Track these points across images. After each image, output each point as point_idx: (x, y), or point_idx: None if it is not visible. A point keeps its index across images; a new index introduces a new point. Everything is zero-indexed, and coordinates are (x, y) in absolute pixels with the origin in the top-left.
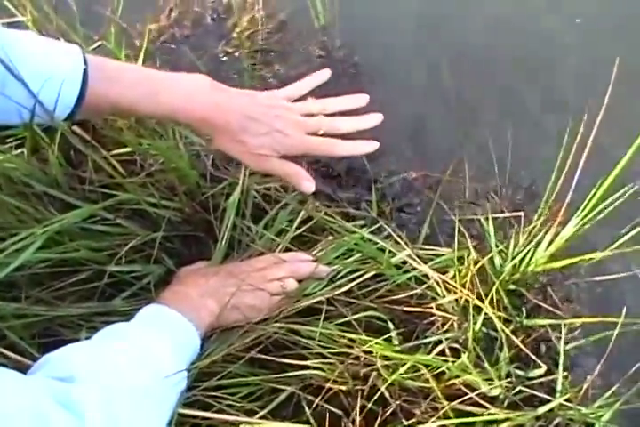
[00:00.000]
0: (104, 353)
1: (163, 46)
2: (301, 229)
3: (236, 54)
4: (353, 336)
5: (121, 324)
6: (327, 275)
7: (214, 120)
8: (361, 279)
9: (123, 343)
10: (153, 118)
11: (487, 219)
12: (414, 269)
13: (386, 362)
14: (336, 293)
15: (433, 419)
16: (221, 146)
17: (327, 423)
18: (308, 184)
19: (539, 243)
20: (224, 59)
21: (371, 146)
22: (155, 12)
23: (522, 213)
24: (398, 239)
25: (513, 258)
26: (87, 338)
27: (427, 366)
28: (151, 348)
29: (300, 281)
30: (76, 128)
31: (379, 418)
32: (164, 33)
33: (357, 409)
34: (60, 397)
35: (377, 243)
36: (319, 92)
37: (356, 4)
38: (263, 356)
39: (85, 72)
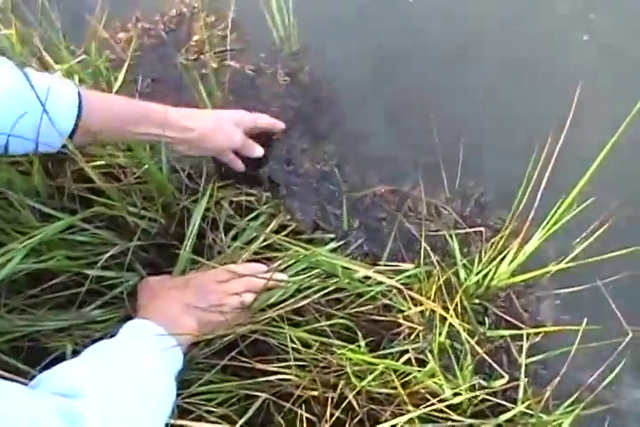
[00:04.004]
0: (101, 370)
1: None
2: (269, 241)
3: (200, 58)
4: (324, 340)
5: (110, 340)
6: (287, 283)
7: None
8: (326, 291)
9: (117, 360)
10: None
11: (451, 235)
12: (381, 282)
13: (355, 368)
14: (303, 303)
15: (399, 425)
16: None
17: None
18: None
19: (502, 258)
20: (185, 63)
21: None
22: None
23: (483, 229)
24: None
25: (477, 273)
26: (73, 351)
27: (395, 373)
28: (144, 365)
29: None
30: None
31: (347, 425)
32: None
33: (327, 416)
34: (63, 412)
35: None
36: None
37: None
38: (237, 363)
39: (80, 103)
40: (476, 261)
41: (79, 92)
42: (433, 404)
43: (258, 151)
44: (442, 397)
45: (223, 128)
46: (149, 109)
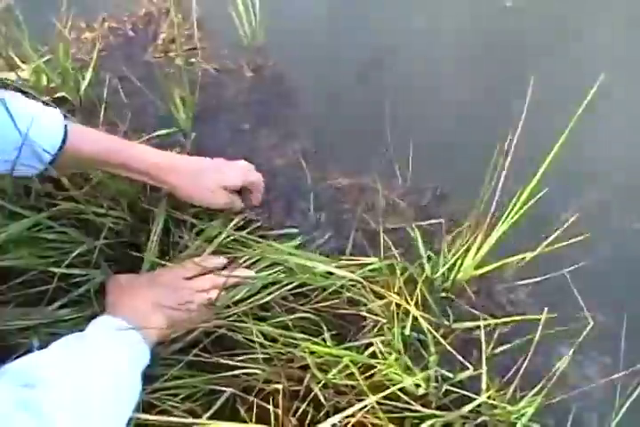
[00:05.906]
0: (67, 362)
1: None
2: (232, 237)
3: (168, 56)
4: (289, 334)
5: (78, 334)
6: (253, 279)
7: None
8: (291, 286)
9: (84, 353)
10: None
11: (412, 227)
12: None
13: (318, 360)
14: (268, 298)
15: (360, 413)
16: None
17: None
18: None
19: (467, 251)
20: (153, 61)
21: None
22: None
23: (442, 221)
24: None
25: (443, 266)
26: (40, 348)
27: (357, 365)
28: (111, 359)
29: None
30: None
31: (308, 418)
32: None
33: (293, 410)
34: (25, 403)
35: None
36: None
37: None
38: (201, 358)
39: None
40: (441, 254)
41: (65, 130)
42: (393, 393)
43: (237, 206)
44: (399, 386)
45: (202, 187)
46: (131, 159)
